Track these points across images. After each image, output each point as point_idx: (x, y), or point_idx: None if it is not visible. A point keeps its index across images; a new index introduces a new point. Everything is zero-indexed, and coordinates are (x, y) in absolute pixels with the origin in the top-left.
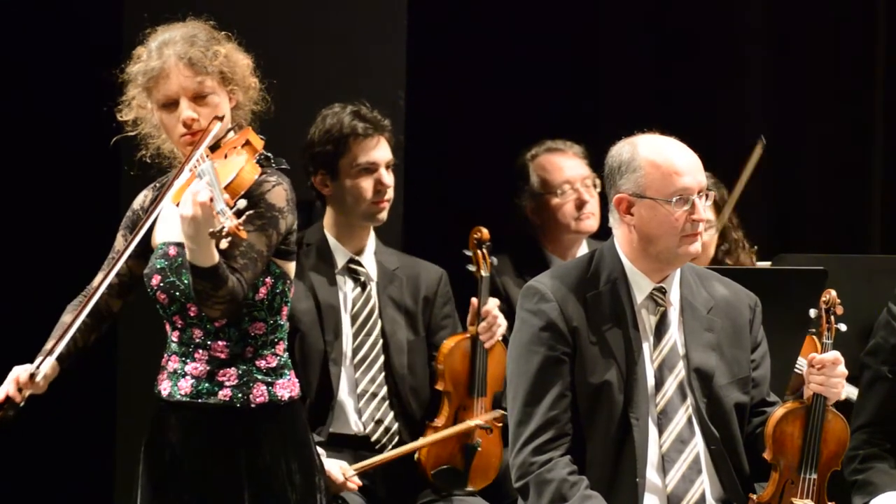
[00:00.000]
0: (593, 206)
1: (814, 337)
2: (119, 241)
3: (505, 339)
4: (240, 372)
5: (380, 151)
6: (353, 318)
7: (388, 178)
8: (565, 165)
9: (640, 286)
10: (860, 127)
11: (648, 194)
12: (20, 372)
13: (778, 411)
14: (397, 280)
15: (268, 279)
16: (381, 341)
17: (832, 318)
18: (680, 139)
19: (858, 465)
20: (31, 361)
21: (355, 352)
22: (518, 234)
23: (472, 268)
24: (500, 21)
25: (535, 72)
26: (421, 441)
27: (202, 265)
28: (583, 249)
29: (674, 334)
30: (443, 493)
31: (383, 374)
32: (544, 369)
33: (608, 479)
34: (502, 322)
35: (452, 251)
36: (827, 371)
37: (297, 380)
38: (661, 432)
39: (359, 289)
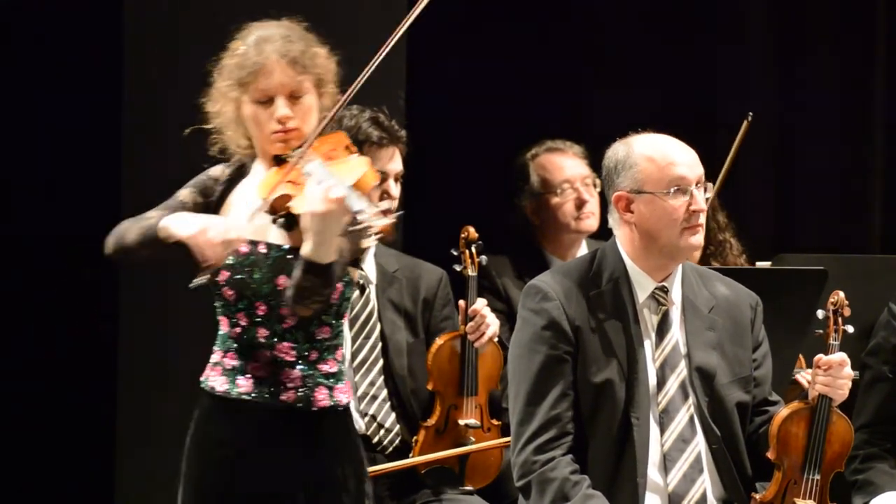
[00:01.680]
0: (593, 205)
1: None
2: (186, 194)
3: (500, 341)
4: (303, 374)
5: (392, 163)
6: (352, 322)
7: (396, 189)
8: (565, 165)
9: (642, 285)
10: (860, 127)
11: (646, 189)
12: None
13: (782, 411)
14: (397, 282)
15: (339, 284)
16: (380, 344)
17: (840, 319)
18: (679, 140)
19: (859, 465)
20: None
21: (354, 355)
22: (518, 234)
23: (458, 267)
24: (500, 20)
25: (536, 71)
26: (426, 457)
27: (320, 262)
28: (582, 250)
29: (675, 333)
30: (440, 494)
31: (383, 376)
32: (546, 368)
33: (610, 478)
34: (492, 322)
35: (452, 252)
36: (833, 372)
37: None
38: (662, 431)
39: (357, 292)
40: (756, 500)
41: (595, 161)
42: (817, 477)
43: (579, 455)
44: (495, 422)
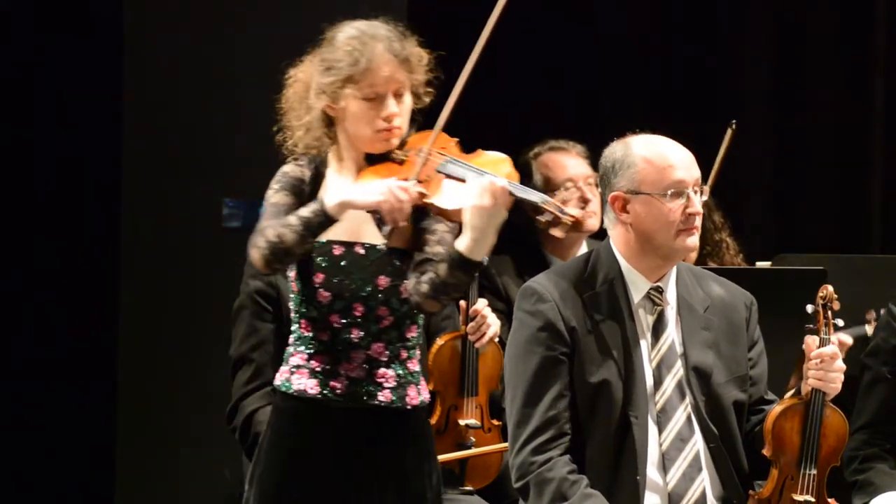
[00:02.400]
0: (595, 205)
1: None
2: (282, 199)
3: (501, 341)
4: (397, 374)
5: None
6: None
7: None
8: (568, 164)
9: (637, 286)
10: (860, 127)
11: (643, 189)
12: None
13: (776, 407)
14: None
15: None
16: None
17: (829, 313)
18: (678, 139)
19: (859, 466)
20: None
21: None
22: (518, 233)
23: None
24: (500, 21)
25: (537, 71)
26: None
27: (475, 258)
28: (583, 249)
29: (671, 333)
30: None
31: None
32: (543, 369)
33: (609, 478)
34: (493, 322)
35: None
36: (825, 365)
37: None
38: (660, 431)
39: None
40: (754, 497)
41: (596, 161)
42: (814, 472)
43: (577, 455)
44: (496, 422)
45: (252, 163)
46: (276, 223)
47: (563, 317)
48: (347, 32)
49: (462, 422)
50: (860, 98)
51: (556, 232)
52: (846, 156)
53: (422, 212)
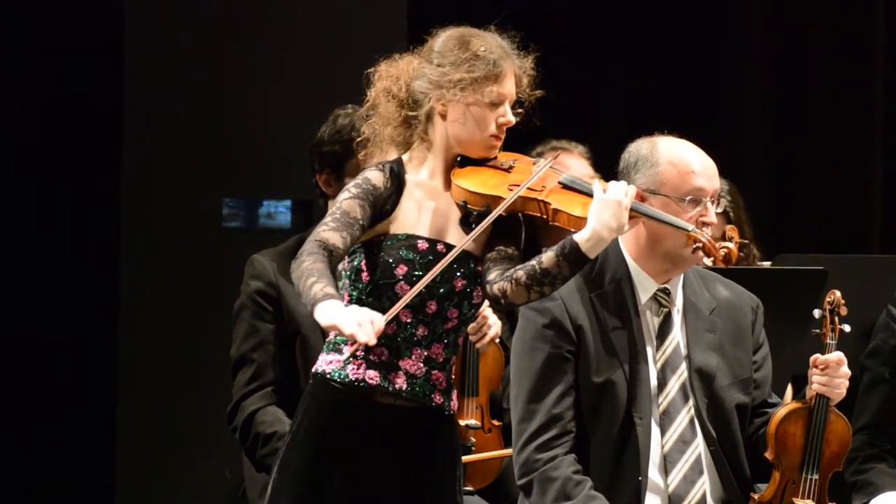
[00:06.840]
0: None
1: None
2: (355, 209)
3: (501, 342)
4: (446, 377)
5: None
6: None
7: None
8: (570, 165)
9: (644, 287)
10: (860, 127)
11: (663, 191)
12: (377, 319)
13: (780, 411)
14: None
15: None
16: None
17: (836, 318)
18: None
19: (859, 466)
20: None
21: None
22: None
23: None
24: (500, 21)
25: (536, 72)
26: None
27: (588, 255)
28: None
29: (676, 335)
30: None
31: None
32: (548, 366)
33: (610, 477)
34: (494, 322)
35: None
36: (830, 371)
37: None
38: (663, 433)
39: None
40: (755, 500)
41: (596, 161)
42: (815, 476)
43: (580, 454)
44: (496, 422)
45: (252, 163)
46: (308, 254)
47: (570, 315)
48: (475, 36)
49: (462, 422)
50: (860, 98)
51: (705, 261)
52: (846, 156)
53: (507, 221)
